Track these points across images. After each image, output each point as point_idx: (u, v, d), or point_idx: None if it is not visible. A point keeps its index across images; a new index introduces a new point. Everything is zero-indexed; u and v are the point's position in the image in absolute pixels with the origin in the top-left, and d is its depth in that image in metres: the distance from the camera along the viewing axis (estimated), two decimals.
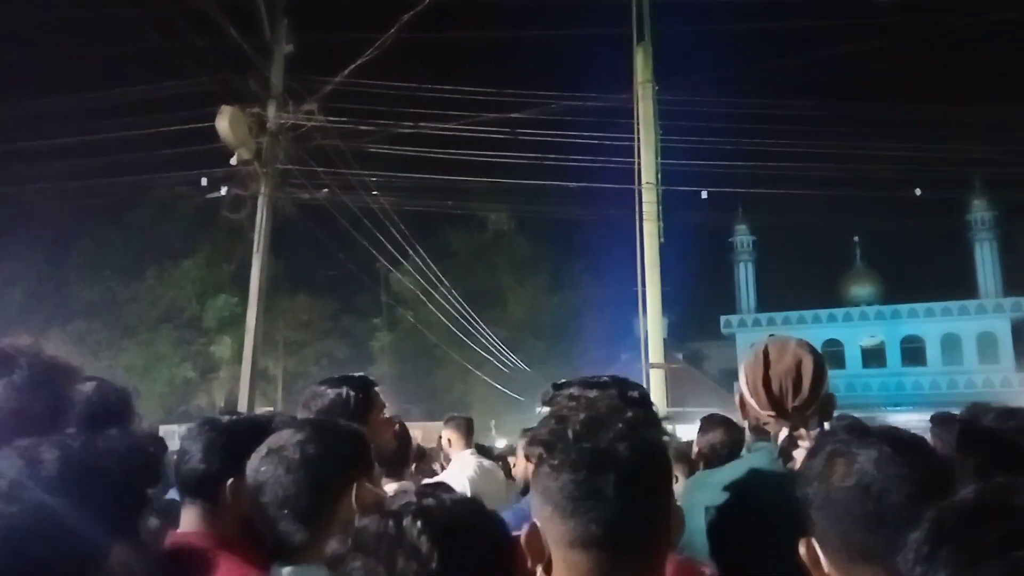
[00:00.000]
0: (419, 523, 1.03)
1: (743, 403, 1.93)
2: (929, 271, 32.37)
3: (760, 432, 1.89)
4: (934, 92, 30.96)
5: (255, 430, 1.93)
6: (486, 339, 22.19)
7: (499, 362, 23.72)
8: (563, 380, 1.89)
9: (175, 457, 2.03)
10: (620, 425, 1.12)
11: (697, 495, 1.90)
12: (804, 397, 1.82)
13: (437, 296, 19.80)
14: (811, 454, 1.27)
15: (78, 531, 1.07)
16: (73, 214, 27.04)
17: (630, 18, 12.05)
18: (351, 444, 1.69)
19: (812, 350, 1.89)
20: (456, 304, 19.94)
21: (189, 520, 1.87)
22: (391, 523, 1.04)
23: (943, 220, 30.52)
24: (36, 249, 28.61)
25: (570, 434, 1.11)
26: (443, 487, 1.19)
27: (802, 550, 1.22)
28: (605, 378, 1.85)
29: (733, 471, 1.88)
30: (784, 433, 1.79)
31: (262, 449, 1.63)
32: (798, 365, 1.84)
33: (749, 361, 1.91)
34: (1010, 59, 31.18)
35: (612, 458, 1.08)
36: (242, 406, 13.80)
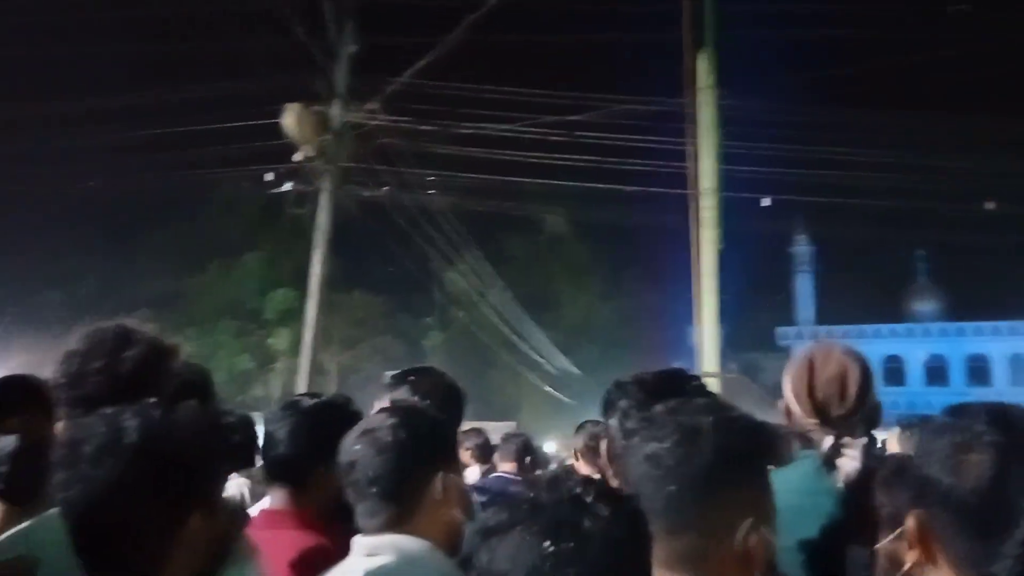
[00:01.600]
0: (592, 492, 1.01)
1: (788, 411, 1.91)
2: (997, 288, 31.21)
3: (805, 440, 1.87)
4: (1006, 103, 29.96)
5: (337, 413, 2.03)
6: (539, 342, 22.22)
7: (552, 365, 23.72)
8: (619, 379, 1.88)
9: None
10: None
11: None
12: (849, 406, 1.80)
13: (491, 297, 19.92)
14: (938, 430, 1.10)
15: (155, 495, 1.17)
16: (144, 207, 28.12)
17: (689, 23, 11.98)
18: (438, 434, 1.76)
19: (858, 358, 1.86)
20: (510, 306, 20.02)
21: (276, 500, 1.96)
22: (565, 489, 1.02)
23: (1012, 236, 29.41)
24: (108, 240, 29.80)
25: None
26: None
27: (911, 523, 1.07)
28: (662, 372, 1.86)
29: (778, 478, 1.88)
30: (829, 441, 1.77)
31: (357, 429, 1.70)
32: (843, 373, 1.81)
33: (794, 368, 1.89)
34: None
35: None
36: None
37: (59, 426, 1.62)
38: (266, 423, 2.02)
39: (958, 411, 1.09)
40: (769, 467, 1.31)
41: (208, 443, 1.31)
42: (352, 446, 1.68)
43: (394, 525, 1.60)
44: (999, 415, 1.04)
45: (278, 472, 1.97)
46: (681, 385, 1.78)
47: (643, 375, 1.86)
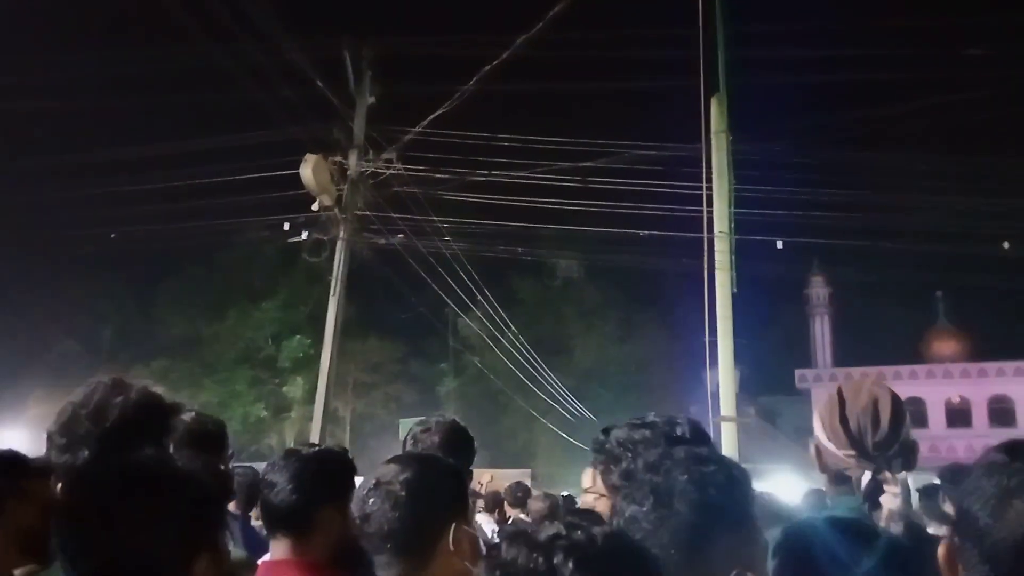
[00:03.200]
0: (571, 562, 0.93)
1: (819, 452, 1.87)
2: (1017, 330, 30.88)
3: (841, 481, 1.83)
4: (1021, 144, 29.95)
5: (336, 459, 2.08)
6: (552, 387, 22.09)
7: (565, 410, 23.52)
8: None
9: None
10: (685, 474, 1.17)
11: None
12: (884, 433, 1.77)
13: (504, 342, 19.89)
14: (990, 469, 1.07)
15: (158, 537, 1.20)
16: (163, 256, 28.44)
17: (700, 69, 12.10)
18: (452, 483, 1.76)
19: (887, 388, 1.84)
20: (523, 351, 19.97)
21: (278, 551, 1.95)
22: (541, 559, 0.95)
23: None
24: (127, 289, 30.07)
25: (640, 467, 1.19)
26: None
27: (942, 551, 1.09)
28: (650, 418, 1.87)
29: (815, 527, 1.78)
30: (867, 477, 1.72)
31: (369, 481, 1.71)
32: (875, 402, 1.79)
33: (823, 405, 1.88)
34: None
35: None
36: None
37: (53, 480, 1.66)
38: (265, 472, 2.03)
39: (1014, 450, 1.08)
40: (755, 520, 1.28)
41: (207, 488, 1.33)
42: (367, 499, 1.68)
43: None
44: None
45: (279, 520, 1.96)
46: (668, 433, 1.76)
47: (635, 423, 1.87)
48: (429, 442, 2.52)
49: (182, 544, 1.22)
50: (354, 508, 1.71)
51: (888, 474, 1.70)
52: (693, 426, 1.83)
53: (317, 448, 2.14)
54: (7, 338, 25.92)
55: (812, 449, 1.91)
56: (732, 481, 1.26)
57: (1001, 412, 30.76)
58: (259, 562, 2.01)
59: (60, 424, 1.76)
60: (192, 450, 2.23)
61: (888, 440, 1.77)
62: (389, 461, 1.77)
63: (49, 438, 1.76)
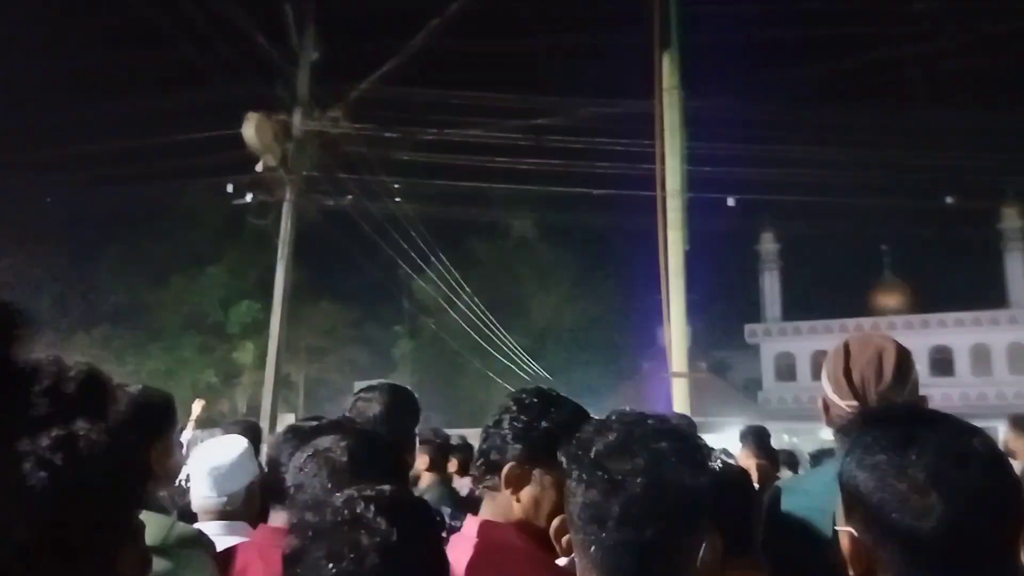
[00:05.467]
0: (372, 506, 1.18)
1: (826, 404, 1.86)
2: (959, 281, 31.82)
3: (848, 433, 1.82)
4: (966, 99, 30.55)
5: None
6: (508, 347, 22.12)
7: (521, 370, 23.62)
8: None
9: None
10: (643, 456, 1.09)
11: (789, 501, 1.86)
12: (888, 384, 1.75)
13: (459, 304, 19.77)
14: (886, 463, 1.06)
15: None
16: (102, 221, 27.50)
17: (653, 24, 11.95)
18: (391, 457, 1.78)
19: (895, 342, 1.84)
20: (478, 312, 19.90)
21: (278, 520, 1.92)
22: (345, 511, 1.18)
23: (974, 230, 30.01)
24: (63, 256, 29.01)
25: (592, 454, 1.11)
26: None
27: (845, 542, 1.09)
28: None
29: (824, 475, 1.78)
30: None
31: (307, 450, 1.70)
32: (880, 354, 1.78)
33: (829, 357, 1.86)
34: None
35: (623, 489, 1.07)
36: (265, 412, 13.86)
37: None
38: (269, 447, 2.06)
39: (896, 428, 1.07)
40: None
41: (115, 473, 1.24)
42: (303, 467, 1.66)
43: None
44: (963, 454, 1.03)
45: (280, 494, 1.90)
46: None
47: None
48: (371, 410, 2.45)
49: (96, 525, 1.16)
50: (289, 479, 1.69)
51: None
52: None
53: (318, 423, 2.04)
54: None
55: (820, 402, 1.88)
56: (695, 468, 1.17)
57: (941, 362, 31.82)
58: (261, 527, 1.98)
59: None
60: (136, 426, 2.08)
61: (892, 391, 1.75)
62: (325, 431, 1.77)
63: None
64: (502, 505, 1.55)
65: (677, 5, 12.21)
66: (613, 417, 1.18)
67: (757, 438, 4.73)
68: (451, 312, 20.78)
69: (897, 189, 22.79)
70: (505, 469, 1.56)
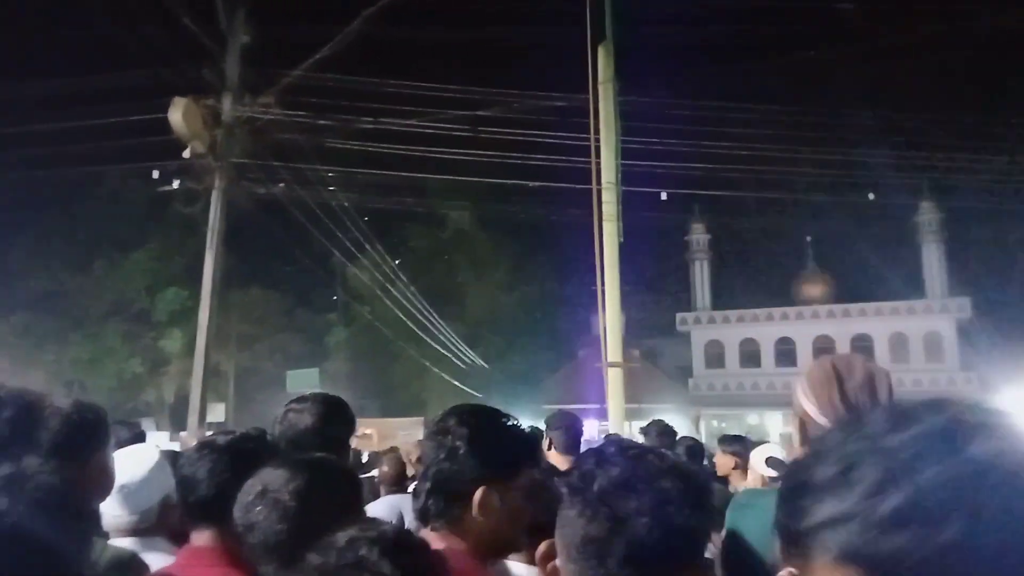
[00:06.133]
0: (375, 549, 1.19)
1: (804, 424, 1.85)
2: (879, 272, 33.09)
3: None
4: (889, 98, 31.68)
5: (256, 446, 1.98)
6: (444, 335, 22.09)
7: (457, 359, 23.62)
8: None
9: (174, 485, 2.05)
10: (647, 496, 1.09)
11: (748, 517, 1.86)
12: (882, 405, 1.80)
13: (395, 292, 19.63)
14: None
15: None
16: (18, 204, 26.22)
17: (591, 18, 12.04)
18: (346, 490, 1.69)
19: (879, 366, 1.88)
20: (413, 300, 19.80)
21: (200, 538, 1.88)
22: (348, 554, 1.18)
23: (893, 223, 31.30)
24: None
25: (595, 488, 1.10)
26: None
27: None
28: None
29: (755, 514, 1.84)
30: None
31: (255, 485, 1.61)
32: (871, 378, 1.81)
33: (816, 379, 1.85)
34: (961, 65, 32.05)
35: (628, 528, 1.06)
36: (194, 402, 13.53)
37: None
38: (182, 466, 1.93)
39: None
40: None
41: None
42: (252, 507, 1.58)
43: None
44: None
45: (200, 513, 1.87)
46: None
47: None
48: (303, 422, 2.39)
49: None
50: (237, 514, 1.61)
51: None
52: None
53: (233, 436, 2.00)
54: None
55: (795, 421, 1.88)
56: (698, 504, 1.17)
57: (863, 349, 33.07)
58: (184, 548, 1.93)
59: None
60: (72, 449, 2.03)
61: None
62: (275, 465, 1.67)
63: None
64: (466, 531, 1.55)
65: None
66: (612, 449, 1.17)
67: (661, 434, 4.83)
68: (386, 300, 20.60)
69: (822, 184, 23.55)
70: (478, 495, 1.55)
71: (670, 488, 1.10)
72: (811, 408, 1.83)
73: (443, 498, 1.58)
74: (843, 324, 33.31)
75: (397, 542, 1.22)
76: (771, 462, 4.10)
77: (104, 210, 28.56)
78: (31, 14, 28.58)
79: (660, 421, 5.10)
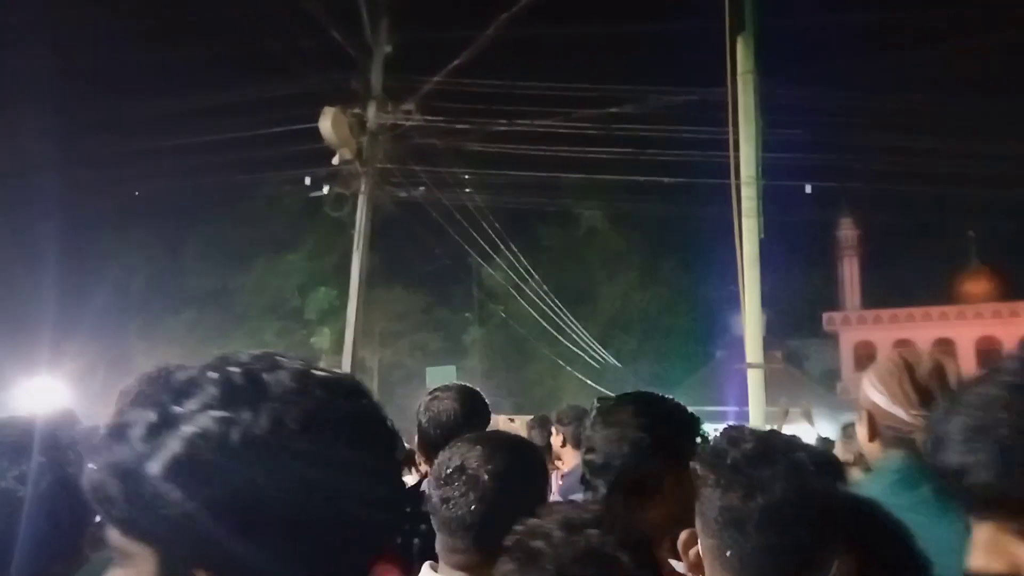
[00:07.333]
0: (611, 539, 1.11)
1: (873, 416, 1.83)
2: None
3: (902, 445, 1.79)
4: None
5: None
6: (577, 334, 22.12)
7: (590, 358, 23.59)
8: None
9: None
10: (782, 463, 1.12)
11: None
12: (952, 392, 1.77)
13: (528, 291, 19.88)
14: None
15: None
16: (190, 208, 28.65)
17: (726, 7, 11.72)
18: (539, 475, 1.69)
19: (947, 359, 1.87)
20: (547, 299, 19.96)
21: None
22: (581, 542, 1.12)
23: None
24: (156, 241, 30.39)
25: (729, 460, 1.13)
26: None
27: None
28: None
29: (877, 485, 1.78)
30: None
31: (453, 459, 1.61)
32: (939, 368, 1.80)
33: (885, 371, 1.84)
34: None
35: (764, 493, 1.09)
36: None
37: None
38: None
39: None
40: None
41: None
42: (450, 480, 1.58)
43: (476, 568, 1.52)
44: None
45: None
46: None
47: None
48: (446, 412, 2.48)
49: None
50: (431, 486, 1.62)
51: None
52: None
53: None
54: (40, 292, 26.39)
55: (863, 414, 1.86)
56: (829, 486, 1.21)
57: None
58: None
59: None
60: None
61: None
62: (473, 442, 1.65)
63: None
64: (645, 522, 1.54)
65: None
66: (736, 432, 1.19)
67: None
68: (520, 299, 20.88)
69: (988, 178, 21.80)
70: (668, 484, 1.56)
71: (804, 458, 1.12)
72: (881, 399, 1.82)
73: (625, 489, 1.59)
74: (1010, 324, 30.72)
75: (627, 532, 1.15)
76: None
77: (263, 213, 30.61)
78: (200, 33, 31.06)
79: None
